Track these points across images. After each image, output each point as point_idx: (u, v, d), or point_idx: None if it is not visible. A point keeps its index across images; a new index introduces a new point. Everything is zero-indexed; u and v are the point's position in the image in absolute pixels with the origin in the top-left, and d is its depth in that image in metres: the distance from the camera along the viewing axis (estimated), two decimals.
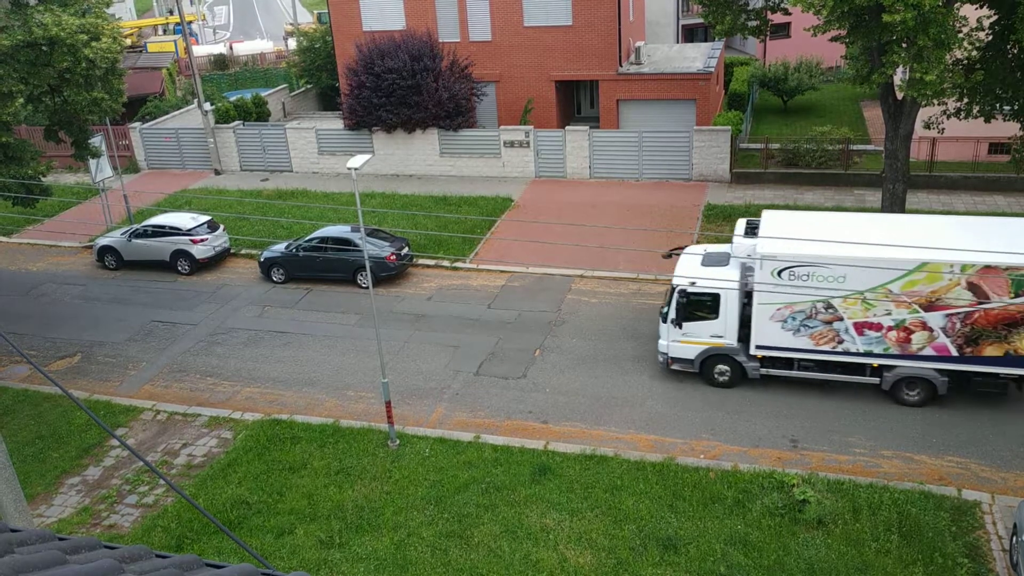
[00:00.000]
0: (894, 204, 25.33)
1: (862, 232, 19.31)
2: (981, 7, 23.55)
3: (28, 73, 22.83)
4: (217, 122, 40.21)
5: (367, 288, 22.75)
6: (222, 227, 30.61)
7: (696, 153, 34.20)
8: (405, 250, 28.19)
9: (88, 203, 35.76)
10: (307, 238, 28.42)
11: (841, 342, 19.79)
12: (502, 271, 28.19)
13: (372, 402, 21.59)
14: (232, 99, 43.46)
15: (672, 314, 20.81)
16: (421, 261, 28.95)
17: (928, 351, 19.30)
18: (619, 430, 19.90)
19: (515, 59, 38.13)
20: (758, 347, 20.38)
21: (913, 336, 19.25)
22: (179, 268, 29.72)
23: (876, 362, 19.81)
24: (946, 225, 20.48)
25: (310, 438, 20.03)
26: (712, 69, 36.43)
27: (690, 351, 21.00)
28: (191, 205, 35.22)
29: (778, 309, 19.87)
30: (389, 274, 27.59)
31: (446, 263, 28.86)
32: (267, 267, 28.71)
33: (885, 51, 21.92)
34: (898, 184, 25.10)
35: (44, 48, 22.90)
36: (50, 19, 22.44)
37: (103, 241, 30.96)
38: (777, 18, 30.47)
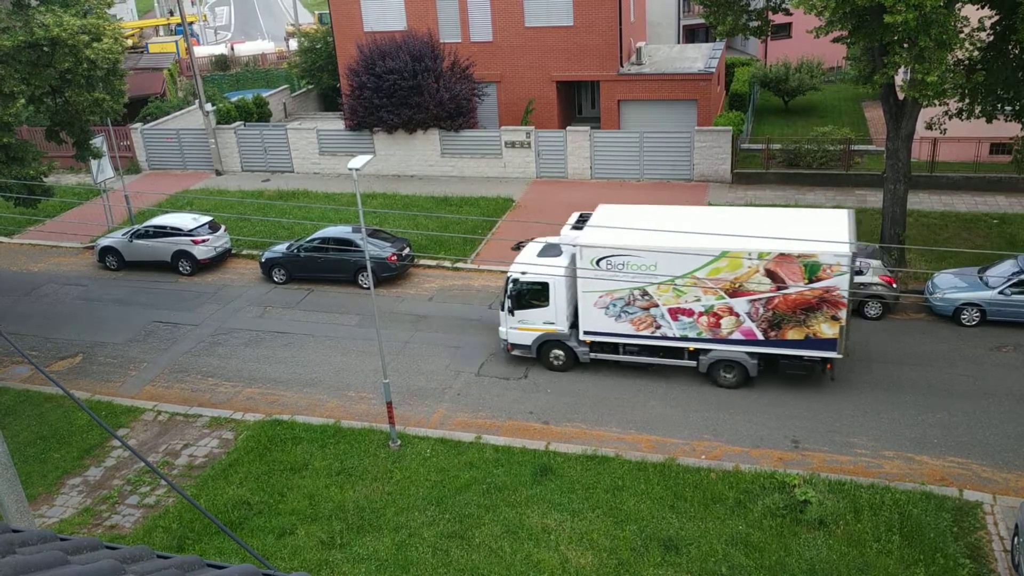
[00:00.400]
0: (896, 204, 25.32)
1: (686, 223, 20.30)
2: (982, 7, 23.54)
3: (30, 74, 22.86)
4: (218, 123, 40.23)
5: (368, 289, 22.76)
6: (223, 228, 30.63)
7: (697, 153, 34.19)
8: (406, 251, 28.19)
9: (89, 204, 35.78)
10: (308, 239, 28.43)
11: (659, 327, 20.93)
12: (503, 271, 28.14)
13: (373, 403, 21.59)
14: (233, 100, 43.50)
15: (507, 302, 21.97)
16: (422, 262, 28.95)
17: (737, 335, 20.39)
18: (620, 430, 19.89)
19: (516, 60, 38.13)
20: (586, 332, 21.58)
21: (722, 321, 20.34)
22: (180, 269, 29.74)
23: (692, 346, 20.94)
24: (756, 216, 21.79)
25: (311, 439, 20.03)
26: (713, 69, 36.43)
27: (527, 337, 22.17)
28: (192, 206, 35.25)
29: (600, 296, 21.02)
30: (390, 275, 27.60)
31: (447, 263, 28.86)
32: (268, 268, 28.72)
33: (887, 52, 21.93)
34: (899, 184, 25.09)
35: (46, 49, 22.92)
36: (52, 20, 22.46)
37: (104, 242, 30.98)
38: (778, 19, 30.48)
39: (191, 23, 59.88)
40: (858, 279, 23.38)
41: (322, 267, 27.93)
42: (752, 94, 41.80)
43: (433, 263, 28.88)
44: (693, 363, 21.17)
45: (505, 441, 19.57)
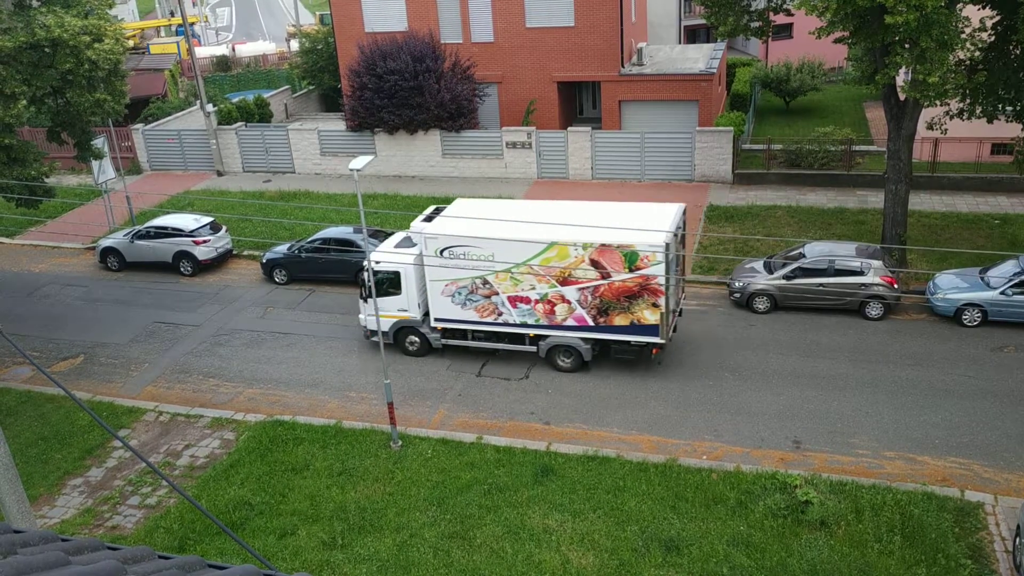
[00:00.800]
0: (897, 205, 25.31)
1: (535, 216, 21.38)
2: (983, 8, 23.54)
3: (31, 75, 22.87)
4: (219, 123, 40.25)
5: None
6: (224, 228, 30.64)
7: (698, 154, 34.18)
8: None
9: (91, 204, 35.80)
10: (309, 239, 28.43)
11: (501, 314, 22.03)
12: None
13: (374, 403, 21.59)
14: (234, 100, 43.52)
15: (363, 291, 22.90)
16: None
17: (571, 322, 21.50)
18: (621, 431, 19.89)
19: (517, 60, 38.14)
20: (436, 319, 22.75)
21: (556, 308, 21.47)
22: (181, 269, 29.75)
23: (532, 332, 22.03)
24: (596, 208, 22.62)
25: (312, 439, 20.03)
26: (714, 70, 36.42)
27: (384, 323, 22.94)
28: (193, 206, 35.27)
29: (446, 285, 22.14)
30: None
31: None
32: (269, 268, 28.73)
33: (888, 52, 21.93)
34: (901, 185, 25.08)
35: (47, 50, 22.94)
36: (53, 21, 22.47)
37: (106, 242, 31.00)
38: (779, 19, 30.46)
39: (192, 24, 59.90)
40: (859, 279, 23.43)
41: (323, 268, 27.93)
42: (753, 95, 41.79)
43: None
44: (534, 348, 22.27)
45: (506, 442, 19.57)
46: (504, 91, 38.83)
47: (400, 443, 19.60)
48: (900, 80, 25.65)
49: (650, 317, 20.75)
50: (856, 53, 24.22)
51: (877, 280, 23.49)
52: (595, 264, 20.67)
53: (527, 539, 16.41)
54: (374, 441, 19.81)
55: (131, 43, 52.03)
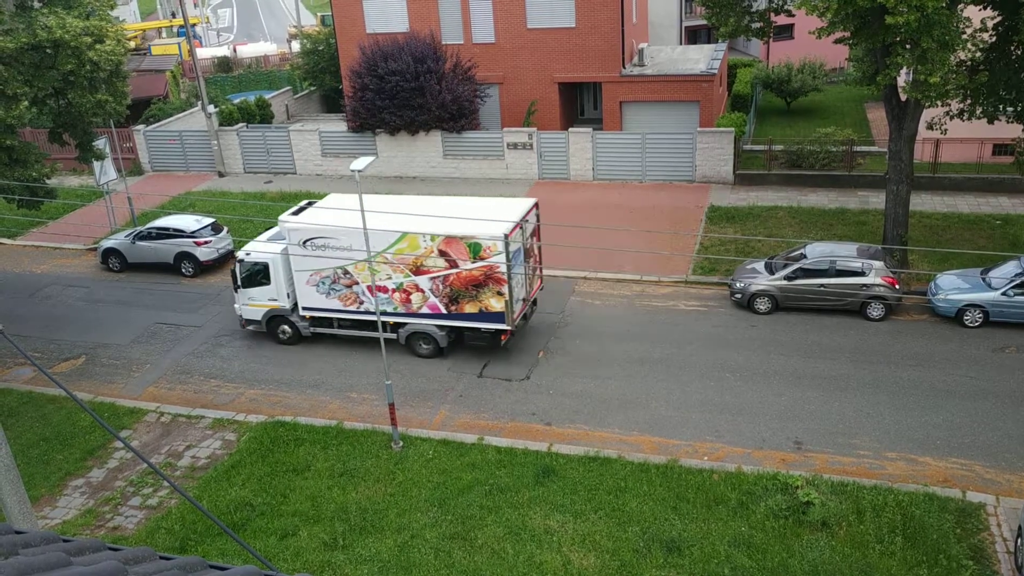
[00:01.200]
0: (898, 205, 25.29)
1: (399, 209, 22.29)
2: (985, 8, 23.53)
3: (33, 76, 22.89)
4: (221, 124, 40.26)
5: None
6: (226, 229, 30.65)
7: (699, 155, 34.18)
8: None
9: (92, 205, 35.81)
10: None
11: (362, 303, 23.02)
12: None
13: (376, 404, 21.60)
14: (236, 101, 43.54)
15: (236, 281, 24.12)
16: None
17: (426, 310, 22.58)
18: (623, 432, 19.89)
19: (518, 61, 38.15)
20: (304, 308, 23.75)
21: (412, 297, 22.53)
22: (183, 270, 29.77)
23: (392, 320, 22.96)
24: (456, 202, 23.79)
25: (314, 440, 20.04)
26: (715, 71, 36.42)
27: (257, 313, 24.33)
28: (195, 207, 35.28)
29: (311, 275, 23.15)
30: None
31: None
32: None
33: (889, 53, 21.93)
34: (902, 185, 25.07)
35: (48, 51, 22.96)
36: (54, 22, 22.49)
37: (107, 243, 31.01)
38: (780, 20, 30.45)
39: (194, 25, 59.93)
40: (860, 280, 23.43)
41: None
42: (754, 95, 41.78)
43: None
44: (394, 336, 23.19)
45: (507, 442, 19.57)
46: (505, 92, 38.84)
47: (401, 444, 19.60)
48: (901, 81, 25.64)
49: (496, 305, 21.86)
50: (857, 54, 24.26)
51: (878, 281, 23.48)
52: (443, 254, 21.81)
53: (528, 540, 16.41)
54: (375, 442, 19.82)
55: (132, 44, 52.10)
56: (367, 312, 22.95)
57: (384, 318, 22.48)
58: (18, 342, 23.93)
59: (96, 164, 30.63)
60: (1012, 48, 23.32)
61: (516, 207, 22.67)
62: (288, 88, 49.09)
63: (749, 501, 17.02)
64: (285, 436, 20.25)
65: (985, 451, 18.39)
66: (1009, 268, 23.28)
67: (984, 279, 23.35)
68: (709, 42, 49.20)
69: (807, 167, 33.78)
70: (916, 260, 26.30)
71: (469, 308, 22.13)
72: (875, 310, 23.64)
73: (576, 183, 35.70)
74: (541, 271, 24.45)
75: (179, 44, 56.53)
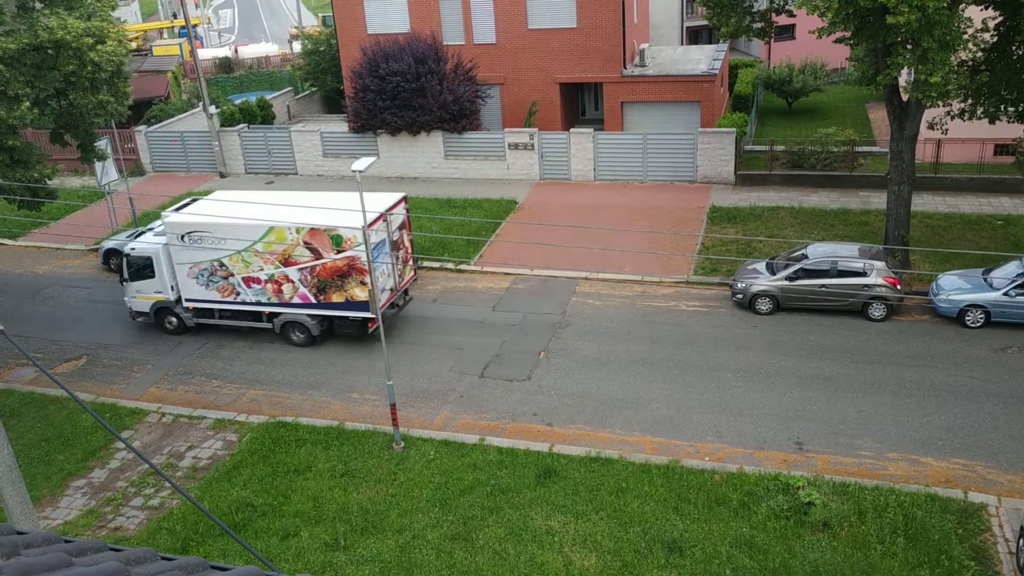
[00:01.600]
0: (899, 206, 25.27)
1: (274, 204, 23.05)
2: (986, 8, 23.51)
3: (34, 76, 22.90)
4: (222, 125, 40.28)
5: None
6: None
7: (701, 155, 34.17)
8: None
9: (94, 206, 35.85)
10: None
11: (239, 294, 24.13)
12: (507, 273, 28.20)
13: (377, 404, 21.60)
14: (237, 102, 43.55)
15: (123, 275, 25.23)
16: (426, 263, 28.95)
17: (297, 300, 23.62)
18: (624, 432, 19.88)
19: (519, 61, 38.15)
20: (187, 300, 24.82)
21: (283, 287, 23.59)
22: None
23: (267, 310, 24.14)
24: (332, 197, 24.90)
25: (315, 440, 20.05)
26: (716, 71, 36.41)
27: (145, 305, 25.44)
28: None
29: (191, 267, 24.26)
30: None
31: (451, 265, 28.87)
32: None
33: (890, 53, 21.91)
34: (903, 186, 25.05)
35: (50, 51, 22.97)
36: (56, 23, 22.50)
37: (109, 244, 31.01)
38: (781, 20, 30.45)
39: (195, 26, 60.00)
40: (862, 280, 23.42)
41: None
42: (756, 96, 41.77)
43: (437, 265, 28.89)
44: (270, 325, 24.42)
45: (509, 443, 19.57)
46: (506, 92, 38.84)
47: (403, 444, 19.60)
48: (902, 81, 25.63)
49: (360, 294, 22.92)
50: (858, 54, 24.24)
51: (880, 281, 23.47)
52: (308, 246, 22.80)
53: (530, 540, 16.41)
54: (376, 442, 19.82)
55: (134, 45, 52.08)
56: (244, 303, 24.19)
57: (260, 308, 24.10)
58: (20, 343, 23.95)
59: (97, 165, 30.64)
60: (1013, 48, 23.30)
61: (380, 201, 23.55)
62: (289, 89, 49.11)
63: (750, 502, 17.01)
64: (286, 437, 20.25)
65: (987, 452, 18.38)
66: (1010, 268, 23.26)
67: (986, 279, 23.33)
68: (710, 42, 49.20)
69: (808, 167, 33.76)
70: (918, 260, 26.28)
71: (336, 298, 23.24)
72: (877, 310, 23.63)
73: (577, 183, 35.69)
74: (415, 263, 25.75)
75: (180, 45, 56.58)
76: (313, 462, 19.29)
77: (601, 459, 18.62)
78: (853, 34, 22.41)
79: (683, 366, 22.28)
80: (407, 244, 24.69)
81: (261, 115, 42.89)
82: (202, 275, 24.17)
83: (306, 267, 23.06)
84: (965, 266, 24.82)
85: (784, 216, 30.57)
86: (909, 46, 21.23)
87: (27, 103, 22.90)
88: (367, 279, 22.15)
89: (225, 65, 55.70)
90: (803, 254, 24.57)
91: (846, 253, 24.24)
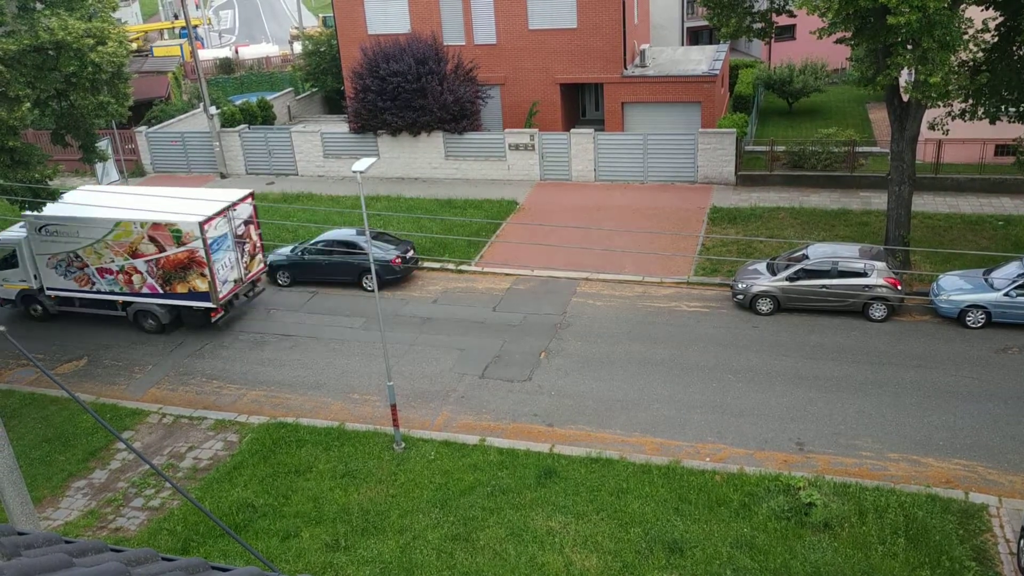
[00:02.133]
0: (900, 206, 25.27)
1: (140, 201, 25.54)
2: (987, 9, 23.51)
3: (35, 77, 22.88)
4: (223, 126, 40.29)
5: (372, 291, 22.80)
6: None
7: (701, 156, 34.17)
8: (410, 253, 28.22)
9: None
10: (312, 241, 28.46)
11: (94, 284, 25.73)
12: (507, 274, 28.21)
13: (377, 405, 21.60)
14: (238, 103, 43.56)
15: None
16: (426, 264, 28.97)
17: (146, 290, 25.25)
18: (624, 433, 19.88)
19: (520, 62, 38.15)
20: (49, 289, 26.46)
21: (133, 278, 25.21)
22: None
23: (120, 299, 25.72)
24: (176, 194, 25.97)
25: (315, 441, 20.05)
26: (717, 72, 36.41)
27: (11, 292, 27.12)
28: None
29: (49, 258, 25.94)
30: (394, 277, 27.61)
31: (451, 266, 28.87)
32: (273, 270, 28.75)
33: (890, 53, 21.91)
34: (904, 186, 25.05)
35: (51, 52, 22.95)
36: (56, 23, 22.49)
37: None
38: (782, 20, 30.45)
39: (195, 26, 59.99)
40: (862, 281, 23.41)
41: (326, 270, 27.96)
42: (756, 96, 41.76)
43: (437, 266, 28.90)
44: (124, 314, 26.01)
45: (509, 443, 19.57)
46: (507, 93, 38.84)
47: (403, 445, 19.60)
48: (903, 81, 25.62)
49: (202, 285, 24.50)
50: (858, 54, 24.20)
51: (880, 282, 23.47)
52: (153, 240, 24.44)
53: (530, 541, 16.41)
54: (377, 443, 19.82)
55: (135, 46, 52.09)
56: (99, 292, 25.79)
57: (113, 297, 25.74)
58: (21, 343, 23.90)
59: (98, 165, 30.70)
60: (1014, 48, 23.30)
61: (223, 198, 25.34)
62: (290, 89, 49.11)
63: (751, 502, 17.00)
64: (287, 437, 20.26)
65: (987, 452, 18.37)
66: (1011, 269, 23.25)
67: (986, 280, 23.32)
68: (711, 43, 49.19)
69: (809, 168, 33.75)
70: (918, 261, 26.28)
71: (180, 288, 24.84)
72: (877, 311, 23.62)
73: (578, 184, 35.69)
74: (264, 256, 27.14)
75: (181, 45, 56.57)
76: (314, 463, 19.29)
77: (602, 460, 18.62)
78: (853, 34, 22.41)
79: (684, 367, 22.28)
80: (255, 238, 26.26)
81: (262, 116, 42.90)
82: (60, 266, 25.83)
83: (152, 259, 24.71)
84: (966, 266, 24.81)
85: (784, 216, 30.57)
86: (909, 46, 21.22)
87: (28, 104, 22.87)
88: (206, 271, 24.22)
89: (226, 66, 55.70)
90: (804, 254, 24.57)
91: (847, 253, 24.24)
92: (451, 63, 36.60)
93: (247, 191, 26.10)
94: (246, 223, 25.64)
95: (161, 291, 25.05)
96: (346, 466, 19.09)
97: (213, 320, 25.25)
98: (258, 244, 26.43)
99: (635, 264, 27.14)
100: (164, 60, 52.14)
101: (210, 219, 23.99)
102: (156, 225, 24.21)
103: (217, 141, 39.77)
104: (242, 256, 25.51)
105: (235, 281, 25.40)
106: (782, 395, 20.78)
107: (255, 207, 26.18)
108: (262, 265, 26.84)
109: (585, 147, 35.43)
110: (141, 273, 25.00)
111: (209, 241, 23.96)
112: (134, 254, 24.82)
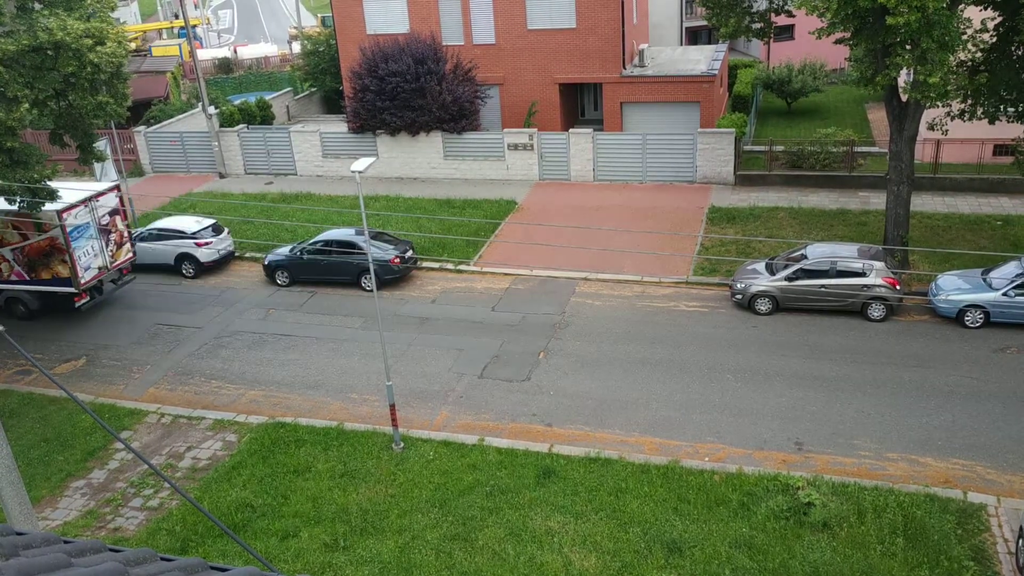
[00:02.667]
0: (899, 206, 25.29)
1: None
2: (985, 9, 23.52)
3: (34, 78, 22.87)
4: (221, 125, 40.28)
5: (371, 291, 22.79)
6: (227, 230, 30.66)
7: (700, 155, 34.18)
8: (409, 253, 28.21)
9: None
10: (311, 241, 28.45)
11: None
12: (506, 274, 28.21)
13: (376, 405, 21.60)
14: (236, 102, 43.55)
15: None
16: (425, 264, 28.97)
17: (14, 277, 26.20)
18: (623, 433, 19.88)
19: (519, 62, 38.16)
20: None
21: (1, 266, 26.18)
22: (184, 271, 29.77)
23: None
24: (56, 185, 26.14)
25: (314, 441, 20.04)
26: (716, 71, 36.42)
27: None
28: (196, 208, 35.28)
29: None
30: (393, 277, 27.61)
31: (450, 266, 28.87)
32: (271, 270, 28.75)
33: (889, 53, 21.92)
34: (903, 186, 25.06)
35: (49, 53, 22.94)
36: (55, 24, 22.48)
37: None
38: (781, 20, 30.47)
39: (194, 26, 60.00)
40: (861, 281, 23.43)
41: (325, 270, 27.96)
42: (755, 96, 41.77)
43: (436, 265, 28.90)
44: None
45: (508, 443, 19.57)
46: (506, 93, 38.84)
47: (402, 445, 19.60)
48: (902, 81, 25.66)
49: (64, 271, 25.47)
50: (857, 54, 24.21)
51: (879, 281, 23.48)
52: (17, 229, 25.37)
53: (529, 541, 16.41)
54: (376, 443, 19.82)
55: (133, 46, 52.06)
56: None
57: None
58: (19, 343, 23.85)
59: (97, 166, 30.66)
60: (1013, 49, 23.32)
61: (87, 189, 26.33)
62: (289, 89, 49.11)
63: (750, 502, 17.01)
64: (286, 437, 20.25)
65: (986, 452, 18.38)
66: (1010, 269, 23.27)
67: (985, 280, 23.34)
68: (710, 43, 49.21)
69: (808, 168, 33.77)
70: (917, 261, 26.29)
71: (45, 275, 25.83)
72: (876, 311, 23.63)
73: (577, 184, 35.70)
74: (133, 245, 28.07)
75: (180, 45, 56.55)
76: (312, 463, 19.29)
77: (601, 459, 18.62)
78: (852, 35, 22.43)
79: (682, 366, 22.29)
80: (121, 228, 27.23)
81: (260, 115, 42.89)
82: None
83: (16, 248, 25.72)
84: (964, 266, 24.83)
85: (783, 216, 30.58)
86: (908, 47, 21.24)
87: (26, 104, 22.85)
88: (67, 258, 25.19)
89: (224, 66, 55.69)
90: (802, 254, 24.58)
91: (845, 253, 24.25)
92: (450, 63, 36.60)
93: (110, 183, 27.58)
94: (111, 213, 26.68)
95: (28, 278, 26.11)
96: (345, 466, 19.08)
97: (77, 305, 26.17)
98: (125, 234, 27.50)
99: (634, 264, 27.14)
100: (163, 60, 52.12)
101: (70, 208, 24.96)
102: (19, 214, 25.04)
103: (216, 141, 39.76)
104: (107, 245, 26.52)
105: (100, 268, 26.28)
106: (781, 395, 20.79)
107: (121, 199, 27.42)
108: (130, 255, 27.75)
109: (584, 147, 35.44)
110: (8, 261, 26.08)
111: (69, 229, 24.92)
112: (0, 243, 25.83)
